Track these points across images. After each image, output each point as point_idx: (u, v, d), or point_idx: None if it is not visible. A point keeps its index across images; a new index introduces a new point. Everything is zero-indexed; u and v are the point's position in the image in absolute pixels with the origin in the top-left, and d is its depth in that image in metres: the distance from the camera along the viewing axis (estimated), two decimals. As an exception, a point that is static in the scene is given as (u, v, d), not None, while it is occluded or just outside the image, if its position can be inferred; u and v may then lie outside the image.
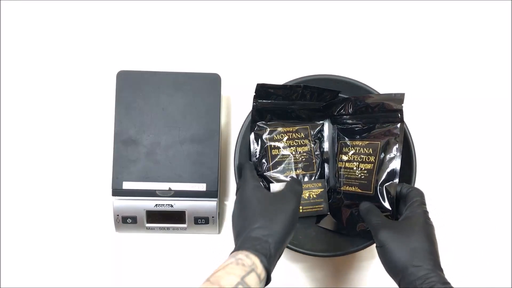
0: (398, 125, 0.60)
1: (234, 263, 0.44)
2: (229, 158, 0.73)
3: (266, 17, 0.79)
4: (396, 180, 0.58)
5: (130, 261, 0.70)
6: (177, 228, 0.67)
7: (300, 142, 0.67)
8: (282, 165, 0.66)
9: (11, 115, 0.74)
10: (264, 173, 0.65)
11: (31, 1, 0.77)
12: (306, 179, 0.67)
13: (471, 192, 0.74)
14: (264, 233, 0.47)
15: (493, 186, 0.74)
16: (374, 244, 0.52)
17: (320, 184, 0.66)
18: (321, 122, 0.69)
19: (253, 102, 0.63)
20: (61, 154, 0.73)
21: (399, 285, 0.48)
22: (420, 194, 0.53)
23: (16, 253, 0.70)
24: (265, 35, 0.78)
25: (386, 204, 0.58)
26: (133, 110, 0.66)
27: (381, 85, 0.68)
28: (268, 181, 0.65)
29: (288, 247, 0.61)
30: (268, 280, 0.46)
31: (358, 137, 0.64)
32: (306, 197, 0.65)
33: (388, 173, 0.59)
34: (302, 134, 0.68)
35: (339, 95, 0.66)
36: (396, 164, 0.59)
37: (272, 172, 0.65)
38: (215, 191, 0.65)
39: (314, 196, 0.66)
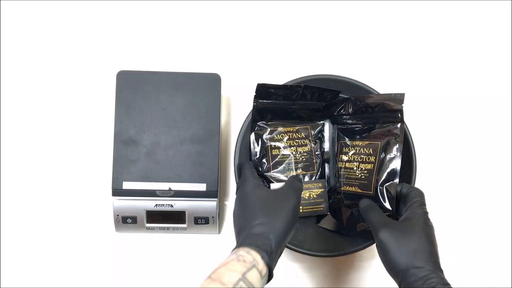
0: (398, 125, 0.60)
1: (235, 260, 0.44)
2: (229, 158, 0.73)
3: (266, 17, 0.79)
4: (396, 180, 0.58)
5: (130, 261, 0.70)
6: (177, 228, 0.67)
7: (301, 142, 0.67)
8: (283, 165, 0.66)
9: (11, 115, 0.74)
10: (265, 173, 0.65)
11: (31, 1, 0.77)
12: (306, 179, 0.67)
13: (471, 192, 0.74)
14: (265, 229, 0.47)
15: (493, 186, 0.74)
16: (374, 244, 0.52)
17: (320, 184, 0.66)
18: (321, 122, 0.69)
19: (254, 102, 0.63)
20: (61, 154, 0.73)
21: (399, 285, 0.48)
22: (420, 194, 0.53)
23: (16, 253, 0.70)
24: (265, 35, 0.78)
25: (386, 204, 0.58)
26: (133, 110, 0.66)
27: (381, 85, 0.68)
28: (268, 181, 0.65)
29: (288, 247, 0.61)
30: (270, 276, 0.46)
31: (358, 137, 0.64)
32: (306, 197, 0.65)
33: (388, 173, 0.59)
34: (303, 134, 0.68)
35: (340, 95, 0.66)
36: (396, 164, 0.59)
37: (273, 172, 0.65)
38: (215, 191, 0.65)
39: (314, 196, 0.65)
